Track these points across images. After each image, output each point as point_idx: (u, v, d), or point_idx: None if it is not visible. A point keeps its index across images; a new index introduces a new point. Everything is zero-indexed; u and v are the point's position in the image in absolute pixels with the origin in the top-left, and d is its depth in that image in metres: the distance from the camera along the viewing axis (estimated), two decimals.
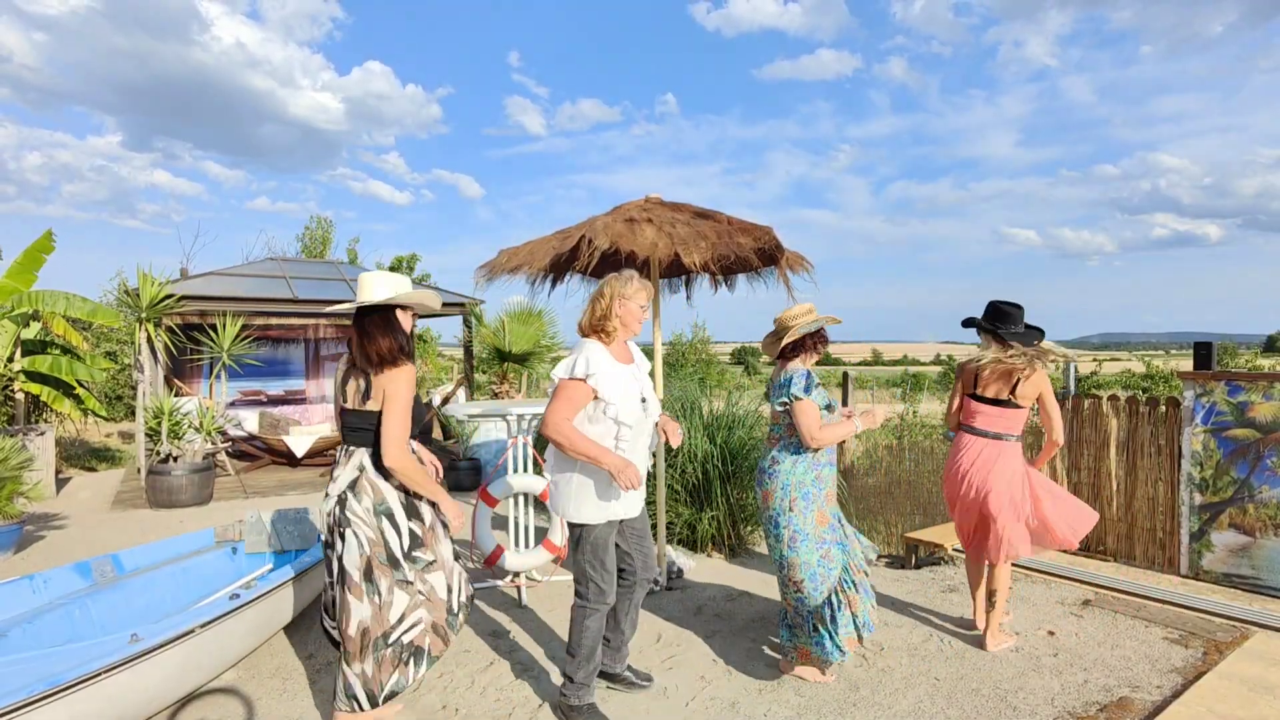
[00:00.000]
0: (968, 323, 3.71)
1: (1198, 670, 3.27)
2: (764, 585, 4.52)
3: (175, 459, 7.09)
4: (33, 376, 8.03)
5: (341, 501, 2.71)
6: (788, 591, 3.24)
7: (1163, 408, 4.84)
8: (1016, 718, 2.91)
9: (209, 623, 2.91)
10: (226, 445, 9.02)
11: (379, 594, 2.66)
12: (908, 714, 2.95)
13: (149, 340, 8.29)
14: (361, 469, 2.71)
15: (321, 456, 9.31)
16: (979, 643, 3.59)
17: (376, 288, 2.75)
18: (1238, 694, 3.02)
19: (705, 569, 4.85)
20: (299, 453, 8.88)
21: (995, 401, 3.51)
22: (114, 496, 7.57)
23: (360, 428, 2.72)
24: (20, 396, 8.11)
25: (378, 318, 2.72)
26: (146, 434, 7.68)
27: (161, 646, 2.71)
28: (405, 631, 2.69)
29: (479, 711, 2.99)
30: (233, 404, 9.94)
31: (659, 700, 3.08)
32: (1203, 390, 4.62)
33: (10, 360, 7.84)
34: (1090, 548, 5.12)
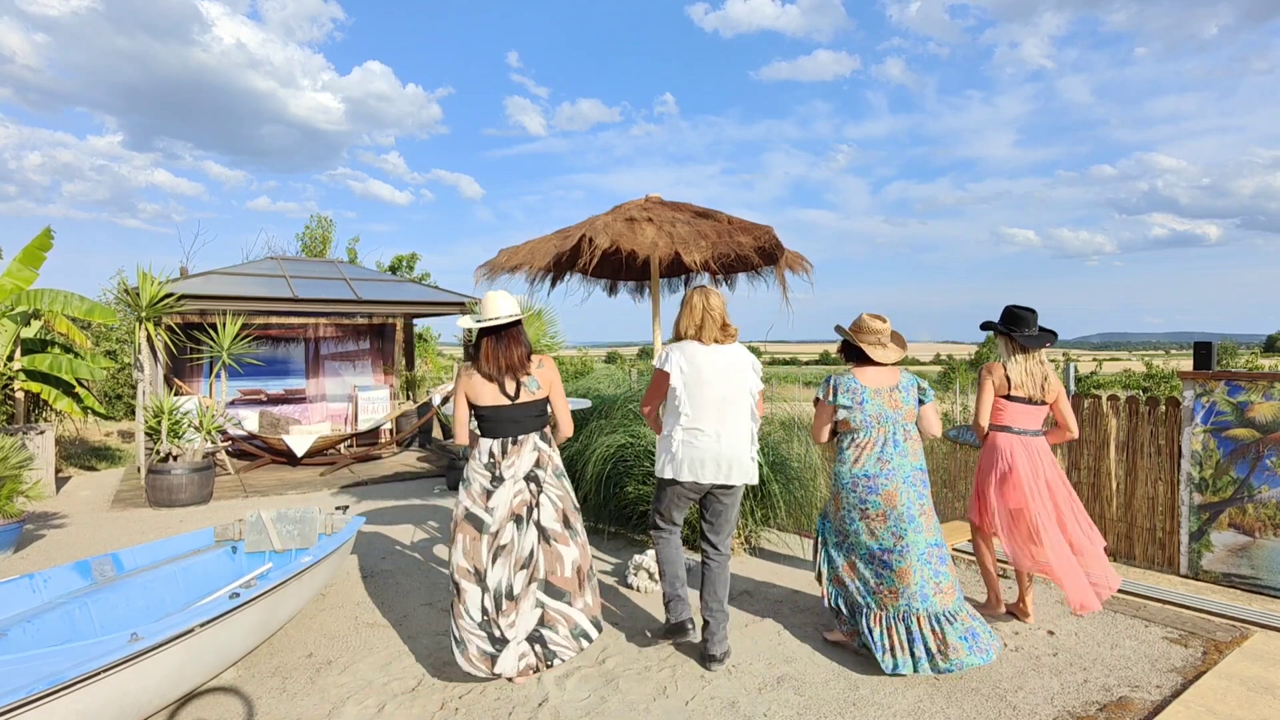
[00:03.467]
0: (985, 326, 3.86)
1: (1197, 670, 3.28)
2: (766, 585, 4.53)
3: (175, 458, 7.08)
4: (33, 375, 8.03)
5: (532, 478, 3.24)
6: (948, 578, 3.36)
7: (1163, 408, 4.84)
8: (1016, 717, 2.91)
9: (209, 622, 2.91)
10: (226, 444, 9.02)
11: (579, 534, 3.29)
12: (907, 713, 2.95)
13: (149, 339, 8.30)
14: (538, 449, 3.28)
15: (321, 456, 9.31)
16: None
17: (508, 306, 3.29)
18: (1237, 694, 3.02)
19: None
20: (299, 452, 8.88)
21: (1029, 400, 3.75)
22: (114, 496, 7.57)
23: (528, 417, 3.27)
24: (20, 395, 8.11)
25: (515, 330, 3.29)
26: (146, 433, 7.68)
27: (161, 645, 2.71)
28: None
29: (479, 710, 3.00)
30: (232, 403, 9.94)
31: (659, 700, 3.08)
32: (1203, 390, 4.62)
33: (10, 359, 7.85)
34: None
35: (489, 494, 3.18)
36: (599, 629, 3.25)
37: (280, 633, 3.77)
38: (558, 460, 3.34)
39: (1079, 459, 5.23)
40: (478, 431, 3.33)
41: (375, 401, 10.43)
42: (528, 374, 3.24)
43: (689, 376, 3.37)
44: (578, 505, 3.38)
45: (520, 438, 3.24)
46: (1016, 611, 3.88)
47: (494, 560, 3.14)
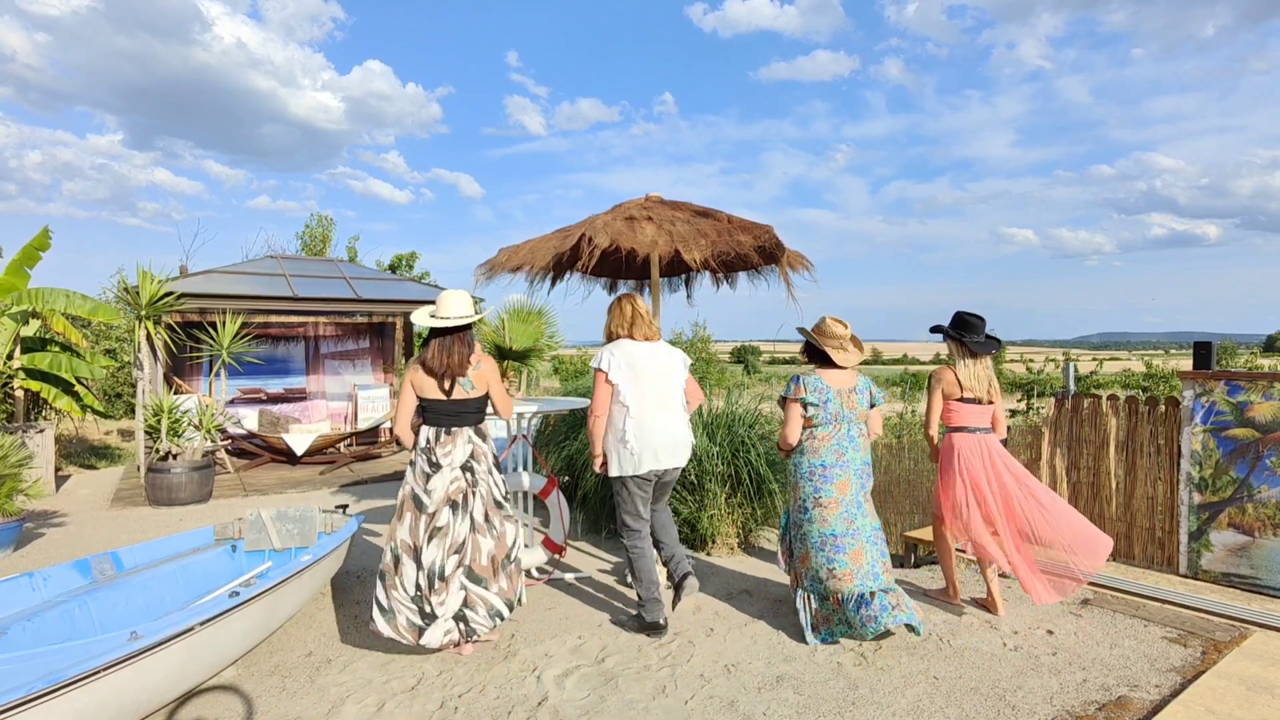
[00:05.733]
0: (935, 330, 4.04)
1: (1196, 670, 3.28)
2: (764, 584, 4.53)
3: (175, 457, 7.09)
4: (32, 374, 8.02)
5: (468, 469, 3.48)
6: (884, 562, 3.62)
7: (1162, 407, 4.84)
8: (1015, 717, 2.91)
9: (208, 620, 2.91)
10: (226, 443, 9.01)
11: (497, 528, 3.51)
12: (906, 713, 2.95)
13: (149, 338, 8.29)
14: (472, 442, 3.51)
15: (321, 454, 9.31)
16: (979, 639, 3.60)
17: (459, 308, 3.48)
18: (1236, 693, 3.02)
19: (704, 568, 4.85)
20: (298, 451, 8.88)
21: (978, 401, 3.91)
22: (113, 494, 7.57)
23: (465, 412, 3.50)
24: (20, 394, 8.11)
25: (463, 333, 3.48)
26: (146, 432, 7.68)
27: (161, 644, 2.71)
28: (517, 550, 3.57)
29: (479, 709, 3.00)
30: (232, 402, 9.94)
31: (658, 698, 3.08)
32: (1202, 390, 4.62)
33: (10, 357, 7.84)
34: None
35: (428, 478, 3.44)
36: (511, 608, 3.52)
37: (280, 631, 3.77)
38: (492, 456, 3.58)
39: (1079, 459, 5.23)
40: (421, 421, 3.59)
41: (375, 400, 10.42)
42: (464, 375, 3.48)
43: (627, 372, 3.60)
44: (504, 500, 3.61)
45: (454, 429, 3.49)
46: (987, 605, 3.98)
47: (429, 540, 3.40)
